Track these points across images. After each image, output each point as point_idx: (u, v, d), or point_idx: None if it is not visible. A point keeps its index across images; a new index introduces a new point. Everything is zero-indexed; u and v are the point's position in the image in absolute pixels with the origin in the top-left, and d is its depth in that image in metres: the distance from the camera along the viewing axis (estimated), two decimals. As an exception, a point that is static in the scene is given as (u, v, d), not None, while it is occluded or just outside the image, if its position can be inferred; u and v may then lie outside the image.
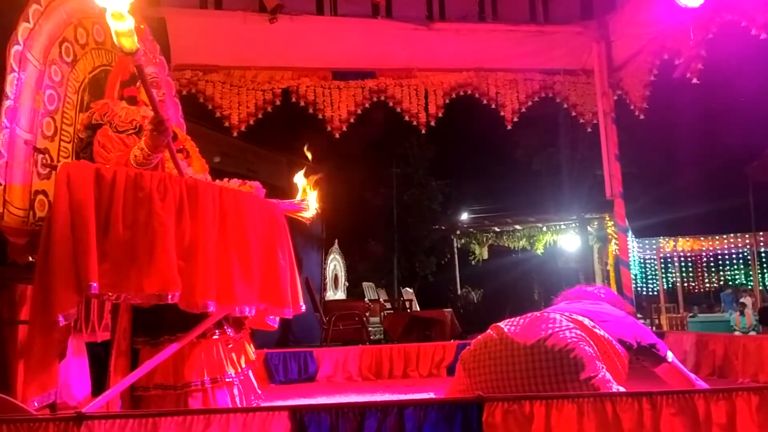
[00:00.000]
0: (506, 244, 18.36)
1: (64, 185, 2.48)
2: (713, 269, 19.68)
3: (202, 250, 2.64)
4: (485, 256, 18.48)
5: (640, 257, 17.38)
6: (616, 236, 10.44)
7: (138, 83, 3.27)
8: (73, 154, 3.19)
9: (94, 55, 3.40)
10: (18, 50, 2.82)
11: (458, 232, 18.61)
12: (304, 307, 3.20)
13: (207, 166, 3.46)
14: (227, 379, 3.00)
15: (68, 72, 3.19)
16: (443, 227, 19.02)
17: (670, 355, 3.15)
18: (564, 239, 17.53)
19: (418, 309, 12.38)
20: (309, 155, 3.62)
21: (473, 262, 18.52)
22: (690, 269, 19.41)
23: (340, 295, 12.36)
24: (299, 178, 3.48)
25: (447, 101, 6.45)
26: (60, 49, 3.12)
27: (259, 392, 3.34)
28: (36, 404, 2.38)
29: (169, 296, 2.51)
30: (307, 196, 3.46)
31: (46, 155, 3.00)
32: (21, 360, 2.63)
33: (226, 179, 3.35)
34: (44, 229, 2.50)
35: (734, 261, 18.90)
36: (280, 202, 3.33)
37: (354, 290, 13.51)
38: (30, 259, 2.66)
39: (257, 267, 2.89)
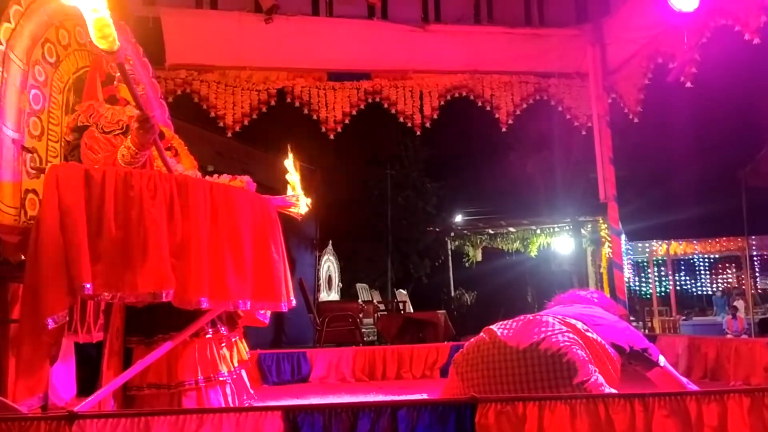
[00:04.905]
0: (500, 247, 18.37)
1: (53, 187, 2.46)
2: (706, 273, 19.78)
3: (195, 247, 2.64)
4: (479, 258, 18.49)
5: (633, 260, 17.44)
6: (609, 239, 10.47)
7: (115, 82, 3.28)
8: (61, 155, 3.18)
9: (77, 56, 3.40)
10: (0, 50, 2.81)
11: (452, 234, 18.61)
12: (294, 302, 3.20)
13: (196, 163, 3.46)
14: (220, 378, 3.00)
15: (52, 72, 3.19)
16: (437, 229, 19.01)
17: (662, 360, 3.16)
18: (557, 242, 17.56)
19: (412, 311, 12.38)
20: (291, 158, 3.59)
21: (467, 265, 18.52)
22: (683, 272, 19.50)
23: (334, 296, 12.34)
24: (289, 166, 3.49)
25: (442, 103, 6.45)
26: (42, 49, 3.11)
27: (252, 392, 3.34)
28: (25, 409, 2.36)
29: (163, 294, 2.51)
30: (297, 192, 3.46)
31: (35, 154, 2.99)
32: (13, 359, 2.61)
33: (216, 175, 3.35)
34: (33, 231, 2.48)
35: (727, 264, 19.00)
36: (272, 197, 3.33)
37: (348, 291, 13.49)
38: (22, 257, 2.65)
39: (250, 261, 2.89)
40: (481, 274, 18.03)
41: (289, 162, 3.54)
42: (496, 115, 6.53)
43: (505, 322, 3.18)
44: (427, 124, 6.45)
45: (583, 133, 6.75)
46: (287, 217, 3.46)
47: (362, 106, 6.37)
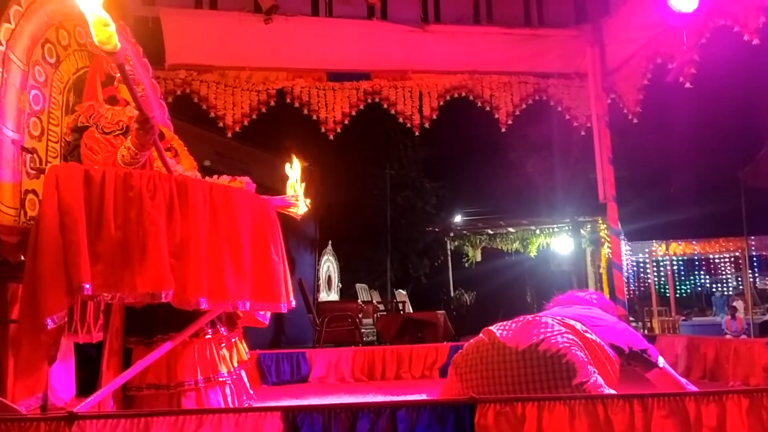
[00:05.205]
0: (499, 247, 18.39)
1: (53, 187, 2.46)
2: (705, 273, 19.79)
3: (194, 248, 2.64)
4: (478, 258, 18.51)
5: (632, 261, 17.44)
6: (608, 239, 10.48)
7: (116, 82, 3.28)
8: (61, 155, 3.19)
9: (77, 56, 3.40)
10: (0, 51, 2.81)
11: (452, 234, 18.62)
12: (294, 302, 3.20)
13: (195, 163, 3.46)
14: (220, 379, 3.00)
15: (52, 73, 3.19)
16: (437, 229, 19.02)
17: (661, 361, 3.16)
18: (557, 242, 17.57)
19: (411, 311, 12.40)
20: (296, 163, 3.58)
21: (466, 265, 18.54)
22: (682, 273, 19.51)
23: (334, 296, 12.36)
24: (289, 172, 3.49)
25: (441, 103, 6.44)
26: (42, 50, 3.11)
27: (251, 392, 3.34)
28: (23, 409, 2.36)
29: (162, 295, 2.51)
30: (297, 192, 3.46)
31: (35, 155, 2.99)
32: (13, 359, 2.61)
33: (215, 176, 3.35)
34: (32, 231, 2.48)
35: (726, 265, 19.00)
36: (271, 198, 3.33)
37: (347, 291, 13.50)
38: (21, 258, 2.65)
39: (250, 262, 2.89)
40: (480, 274, 18.05)
41: (293, 168, 3.53)
42: (496, 116, 6.52)
43: (504, 323, 3.18)
44: (426, 125, 6.44)
45: (583, 133, 6.75)
46: (287, 217, 3.46)
47: (362, 107, 6.37)
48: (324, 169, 10.29)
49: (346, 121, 6.30)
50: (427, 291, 18.67)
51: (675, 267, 18.43)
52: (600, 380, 2.83)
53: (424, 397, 3.88)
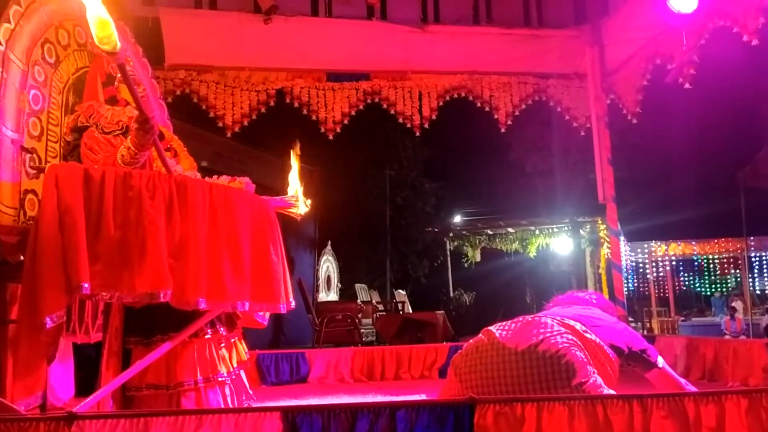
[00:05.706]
0: (499, 247, 18.40)
1: (52, 186, 2.46)
2: (704, 273, 19.81)
3: (193, 248, 2.64)
4: (478, 258, 18.52)
5: (632, 261, 17.45)
6: (608, 240, 10.48)
7: (116, 83, 3.28)
8: (60, 155, 3.19)
9: (76, 56, 3.41)
10: (0, 50, 2.82)
11: (451, 235, 18.63)
12: (294, 303, 3.19)
13: (195, 164, 3.46)
14: (220, 379, 3.00)
15: (51, 73, 3.20)
16: (436, 229, 19.02)
17: (660, 361, 3.17)
18: (556, 242, 17.58)
19: (411, 311, 12.40)
20: (296, 155, 3.57)
21: (466, 265, 18.54)
22: (681, 273, 19.52)
23: (333, 296, 12.35)
24: (291, 177, 3.49)
25: (441, 104, 6.44)
26: (42, 50, 3.12)
27: (251, 392, 3.34)
28: (22, 408, 2.36)
29: (161, 295, 2.51)
30: (297, 193, 3.46)
31: (34, 155, 3.00)
32: (12, 360, 2.61)
33: (215, 176, 3.35)
34: (32, 230, 2.49)
35: (725, 265, 19.02)
36: (271, 198, 3.33)
37: (347, 292, 13.50)
38: (21, 258, 2.65)
39: (249, 262, 2.89)
40: (479, 274, 18.06)
41: (294, 171, 3.53)
42: (495, 116, 6.52)
43: (504, 323, 3.18)
44: (426, 125, 6.44)
45: (582, 133, 6.75)
46: (286, 218, 3.46)
47: (361, 107, 6.37)
48: (324, 169, 10.29)
49: (346, 121, 6.29)
50: (426, 291, 18.67)
51: (674, 267, 18.44)
52: (599, 380, 2.83)
53: (423, 397, 3.88)
